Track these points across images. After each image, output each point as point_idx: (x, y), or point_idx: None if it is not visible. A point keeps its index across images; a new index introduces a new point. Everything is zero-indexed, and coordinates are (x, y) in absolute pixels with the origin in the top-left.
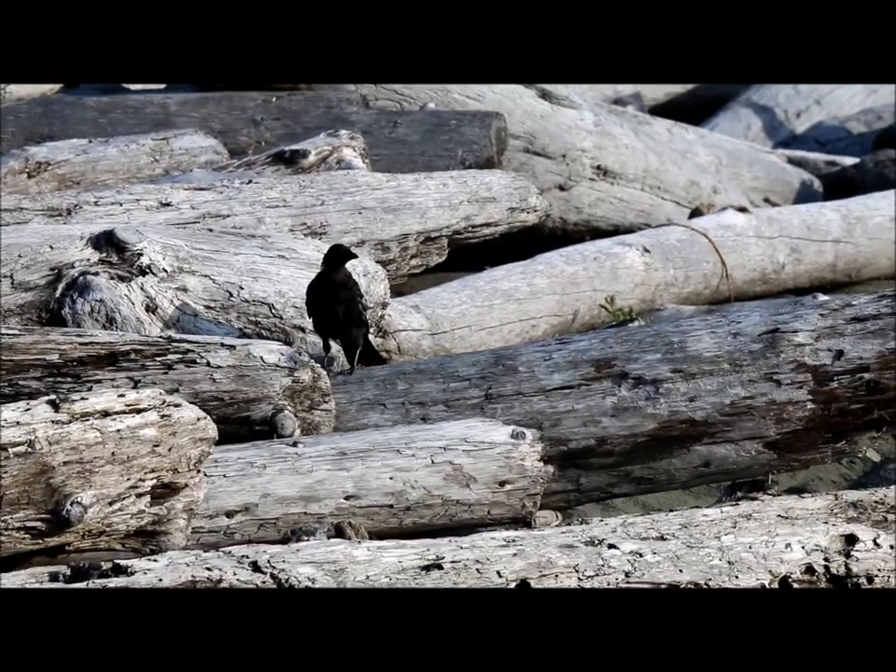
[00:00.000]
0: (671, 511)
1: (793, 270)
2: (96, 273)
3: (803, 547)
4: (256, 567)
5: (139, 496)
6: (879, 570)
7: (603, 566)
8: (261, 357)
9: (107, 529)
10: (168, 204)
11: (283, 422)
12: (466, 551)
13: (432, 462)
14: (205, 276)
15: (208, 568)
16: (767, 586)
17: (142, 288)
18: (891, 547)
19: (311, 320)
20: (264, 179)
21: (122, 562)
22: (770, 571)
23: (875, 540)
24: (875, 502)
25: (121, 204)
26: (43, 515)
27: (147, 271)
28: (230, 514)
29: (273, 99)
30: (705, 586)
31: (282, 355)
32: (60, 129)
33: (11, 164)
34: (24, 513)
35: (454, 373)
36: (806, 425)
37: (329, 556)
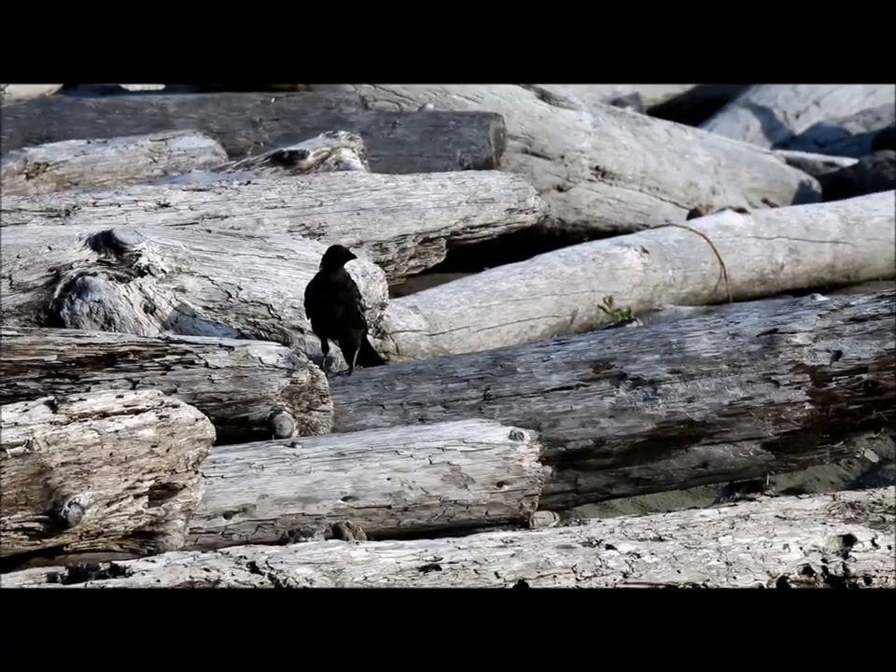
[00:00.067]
0: (669, 511)
1: (792, 270)
2: (95, 274)
3: (801, 548)
4: (254, 568)
5: (137, 496)
6: (877, 571)
7: (601, 566)
8: (260, 358)
9: (105, 530)
10: (166, 205)
11: (281, 423)
12: (464, 551)
13: (430, 463)
14: (204, 277)
15: (206, 569)
16: (765, 587)
17: (140, 289)
18: (889, 548)
19: (309, 321)
20: (263, 180)
21: (120, 563)
22: (768, 572)
23: (872, 541)
24: (873, 503)
25: (120, 205)
26: (41, 516)
27: (146, 271)
28: (228, 515)
29: (272, 100)
30: (703, 587)
31: (280, 355)
32: (58, 130)
33: (10, 165)
34: (22, 514)
35: (452, 374)
36: (805, 425)
37: (326, 557)
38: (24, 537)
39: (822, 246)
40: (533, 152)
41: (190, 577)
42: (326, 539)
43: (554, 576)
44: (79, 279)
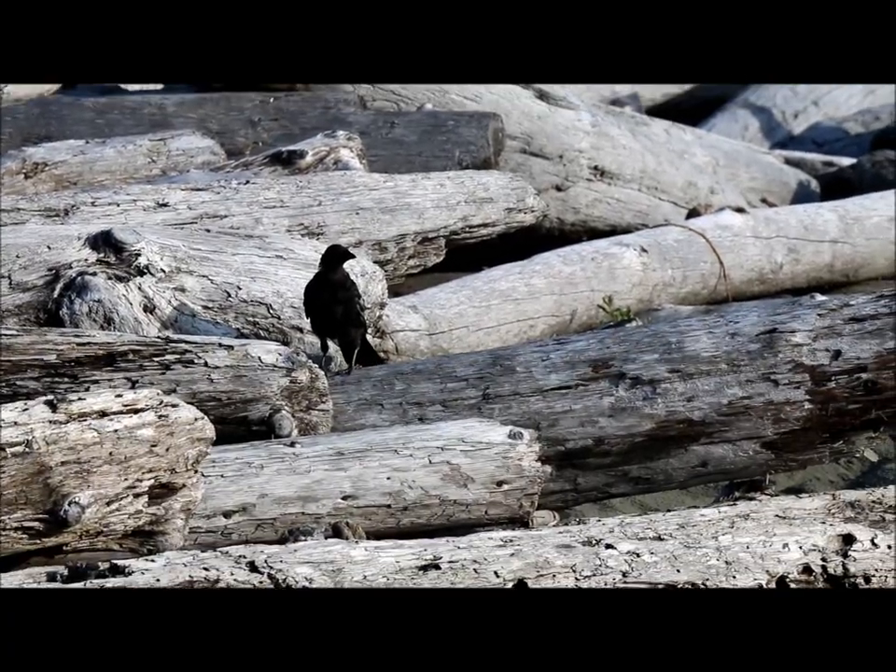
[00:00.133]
0: (668, 511)
1: (791, 270)
2: (94, 274)
3: (800, 547)
4: (253, 568)
5: (137, 496)
6: (877, 570)
7: (600, 566)
8: (259, 358)
9: (105, 529)
10: (165, 205)
11: (280, 422)
12: (463, 551)
13: (430, 462)
14: (203, 276)
15: (205, 568)
16: (765, 586)
17: (140, 289)
18: (889, 547)
19: (309, 320)
20: (261, 180)
21: (120, 562)
22: (767, 571)
23: (872, 540)
24: (873, 502)
25: (119, 205)
26: (40, 515)
27: (145, 271)
28: (227, 514)
29: (271, 100)
30: (702, 586)
31: (280, 355)
32: (57, 129)
33: (9, 165)
34: (22, 513)
35: (451, 373)
36: (804, 425)
37: (326, 556)
38: (24, 536)
39: (821, 246)
40: (532, 152)
41: (190, 576)
42: (325, 538)
43: (554, 575)
44: (79, 278)
